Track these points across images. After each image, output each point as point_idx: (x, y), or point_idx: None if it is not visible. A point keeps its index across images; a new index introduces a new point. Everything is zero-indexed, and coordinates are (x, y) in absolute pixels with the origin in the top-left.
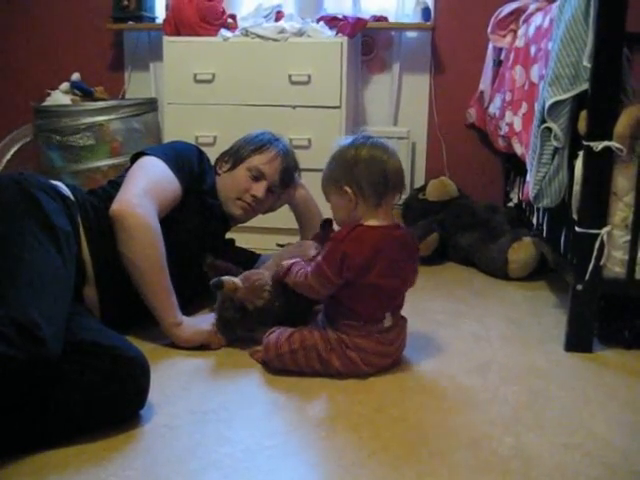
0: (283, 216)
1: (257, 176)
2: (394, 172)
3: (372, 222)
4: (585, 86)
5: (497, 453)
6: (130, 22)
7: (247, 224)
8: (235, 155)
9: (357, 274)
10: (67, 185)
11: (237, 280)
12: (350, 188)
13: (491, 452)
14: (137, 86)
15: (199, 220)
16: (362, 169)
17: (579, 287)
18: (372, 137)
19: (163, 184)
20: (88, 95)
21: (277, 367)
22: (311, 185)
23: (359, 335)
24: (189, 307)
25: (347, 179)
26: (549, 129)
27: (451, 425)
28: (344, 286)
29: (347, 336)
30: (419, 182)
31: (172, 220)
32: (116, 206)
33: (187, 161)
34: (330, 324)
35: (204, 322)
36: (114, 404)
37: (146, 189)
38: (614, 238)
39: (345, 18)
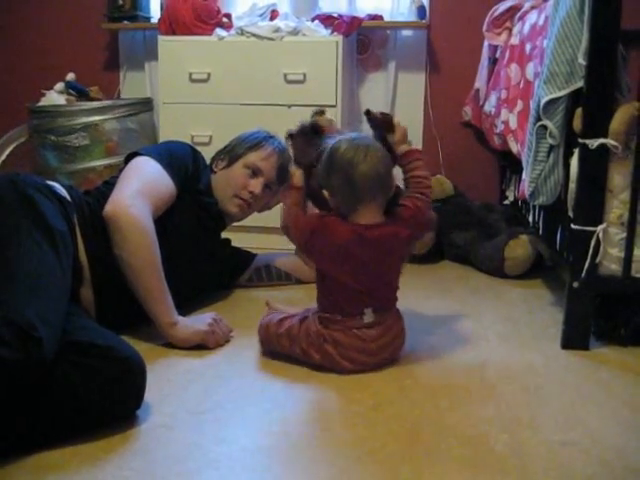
0: (279, 215)
1: (254, 172)
2: (362, 180)
3: (354, 218)
4: (580, 84)
5: (494, 451)
6: (125, 22)
7: (242, 223)
8: (231, 153)
9: (324, 263)
10: (63, 185)
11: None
12: (328, 193)
13: (488, 450)
14: (132, 86)
15: (194, 220)
16: (334, 179)
17: (575, 285)
18: (357, 137)
19: (157, 184)
20: (83, 95)
21: (267, 349)
22: None
23: (337, 329)
24: (185, 306)
25: (324, 184)
26: (544, 127)
27: (448, 423)
28: (322, 278)
29: (326, 329)
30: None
31: (167, 220)
32: (110, 207)
33: (181, 161)
34: (316, 315)
35: (200, 322)
36: (111, 404)
37: (140, 189)
38: (610, 235)
39: (340, 17)
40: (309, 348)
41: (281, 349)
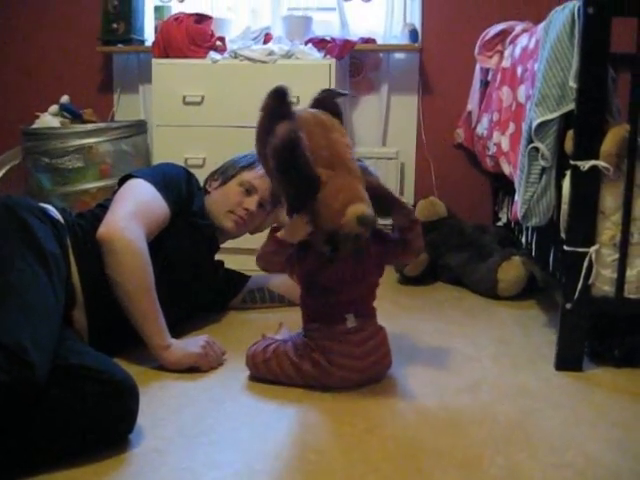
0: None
1: (249, 190)
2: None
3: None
4: (571, 106)
5: (488, 473)
6: (119, 45)
7: (235, 245)
8: (225, 173)
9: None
10: (56, 208)
11: None
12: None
13: (482, 473)
14: (126, 108)
15: (188, 242)
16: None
17: (568, 306)
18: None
19: (151, 206)
20: (77, 117)
21: (258, 376)
22: None
23: (323, 337)
24: (178, 329)
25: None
26: (536, 149)
27: (442, 445)
28: (306, 290)
29: (312, 340)
30: (408, 202)
31: (161, 242)
32: (103, 229)
33: (175, 183)
34: (301, 330)
35: (193, 344)
36: (103, 428)
37: (133, 212)
38: (602, 257)
39: (333, 40)
40: (300, 360)
41: (271, 375)
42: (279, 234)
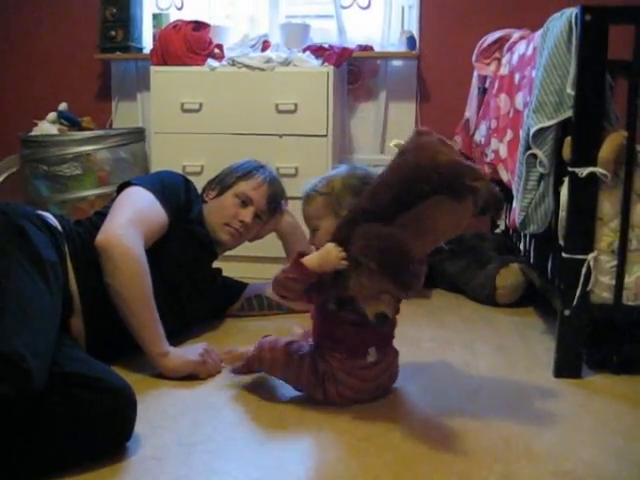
0: (270, 245)
1: (245, 201)
2: None
3: None
4: (569, 113)
5: None
6: (117, 52)
7: (234, 253)
8: (222, 182)
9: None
10: (54, 215)
11: None
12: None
13: None
14: (124, 116)
15: (186, 249)
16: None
17: (567, 313)
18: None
19: (149, 214)
20: (75, 125)
21: (261, 369)
22: (298, 213)
23: (342, 369)
24: (175, 336)
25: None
26: (534, 156)
27: (441, 454)
28: (323, 318)
29: (332, 368)
30: None
31: (159, 250)
32: (102, 237)
33: (174, 190)
34: (319, 351)
35: (191, 352)
36: (100, 436)
37: (132, 219)
38: (601, 263)
39: (331, 47)
40: (313, 388)
41: (281, 376)
42: (306, 260)
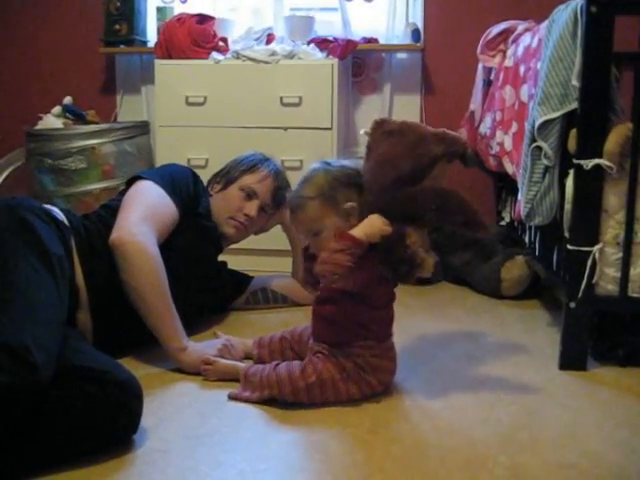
0: (275, 237)
1: (249, 195)
2: None
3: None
4: (574, 105)
5: (493, 473)
6: (122, 46)
7: (239, 246)
8: (227, 176)
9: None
10: (61, 209)
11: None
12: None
13: (487, 472)
14: (129, 109)
15: (193, 243)
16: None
17: (572, 305)
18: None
19: (161, 209)
20: (80, 118)
21: (288, 401)
22: None
23: (374, 355)
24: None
25: (346, 195)
26: (539, 148)
27: (446, 445)
28: (366, 308)
29: (362, 359)
30: None
31: (168, 244)
32: (116, 235)
33: (183, 184)
34: (337, 351)
35: (210, 347)
36: (106, 429)
37: (145, 216)
38: (606, 255)
39: (335, 40)
40: (347, 384)
41: (309, 401)
42: (352, 232)
